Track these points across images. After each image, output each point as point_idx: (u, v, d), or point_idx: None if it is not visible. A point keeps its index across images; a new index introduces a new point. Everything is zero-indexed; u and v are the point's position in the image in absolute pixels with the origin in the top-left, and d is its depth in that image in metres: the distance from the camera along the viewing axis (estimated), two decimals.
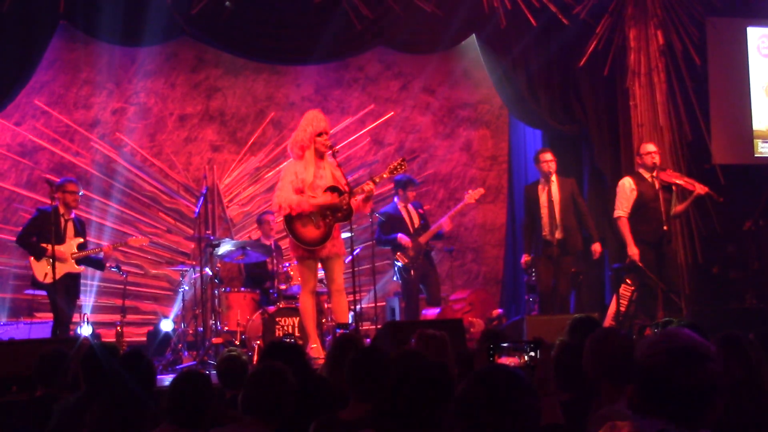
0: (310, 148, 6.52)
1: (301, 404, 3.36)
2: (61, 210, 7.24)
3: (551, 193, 7.89)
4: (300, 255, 6.56)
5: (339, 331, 6.16)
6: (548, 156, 7.97)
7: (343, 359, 3.52)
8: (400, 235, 8.10)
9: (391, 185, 8.79)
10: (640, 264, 7.51)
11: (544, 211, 7.89)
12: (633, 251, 7.53)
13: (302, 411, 3.28)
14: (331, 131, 7.17)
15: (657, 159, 7.71)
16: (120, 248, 8.13)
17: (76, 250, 7.33)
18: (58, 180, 7.56)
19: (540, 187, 7.98)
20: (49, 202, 7.04)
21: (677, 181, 7.73)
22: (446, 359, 3.99)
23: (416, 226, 8.24)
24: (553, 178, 7.94)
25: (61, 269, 7.08)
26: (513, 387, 2.15)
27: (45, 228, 7.13)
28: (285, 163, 6.76)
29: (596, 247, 7.99)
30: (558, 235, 7.80)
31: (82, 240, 7.44)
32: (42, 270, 7.11)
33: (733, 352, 3.19)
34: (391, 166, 6.76)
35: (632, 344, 3.14)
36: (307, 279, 6.61)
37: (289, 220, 6.50)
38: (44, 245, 7.07)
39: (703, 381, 2.02)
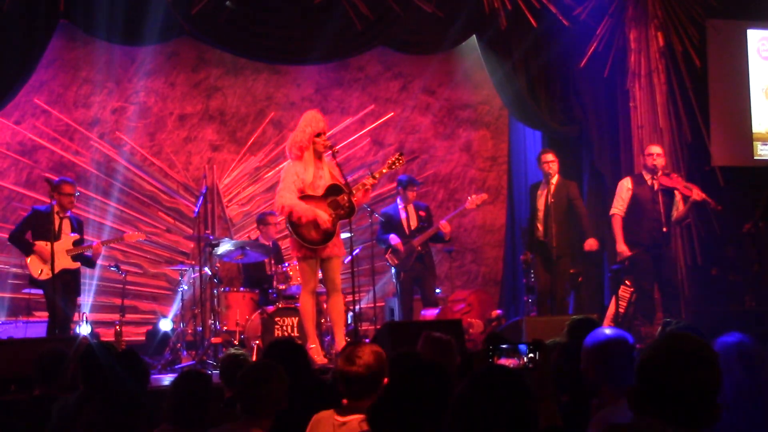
0: (308, 149, 6.49)
1: (301, 403, 3.36)
2: (56, 208, 7.23)
3: (549, 195, 7.90)
4: (303, 254, 6.55)
5: None
6: (549, 157, 7.98)
7: None
8: (392, 236, 8.10)
9: (394, 185, 8.79)
10: (626, 261, 7.55)
11: (541, 213, 7.91)
12: (621, 248, 7.62)
13: (302, 410, 3.28)
14: (331, 132, 7.16)
15: (657, 161, 7.70)
16: (116, 245, 8.12)
17: (72, 246, 7.32)
18: (56, 179, 7.56)
19: (540, 188, 7.99)
20: (48, 201, 7.03)
21: (678, 186, 7.73)
22: (451, 363, 3.98)
23: (413, 228, 8.23)
24: (554, 179, 7.95)
25: (57, 265, 7.05)
26: (510, 389, 2.15)
27: (39, 226, 7.14)
28: (284, 164, 6.74)
29: (590, 242, 7.94)
30: (553, 238, 7.81)
31: (78, 237, 7.43)
32: (36, 267, 7.13)
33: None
34: (389, 161, 6.77)
35: (632, 344, 3.14)
36: (308, 279, 6.59)
37: (291, 221, 6.49)
38: (36, 242, 7.09)
39: (703, 383, 2.02)
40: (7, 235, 8.12)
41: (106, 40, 8.18)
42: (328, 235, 6.47)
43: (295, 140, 6.55)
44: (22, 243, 7.24)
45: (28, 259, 7.19)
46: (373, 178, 6.62)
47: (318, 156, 6.54)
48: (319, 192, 6.48)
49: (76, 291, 7.45)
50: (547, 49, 8.88)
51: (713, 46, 9.25)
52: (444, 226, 8.12)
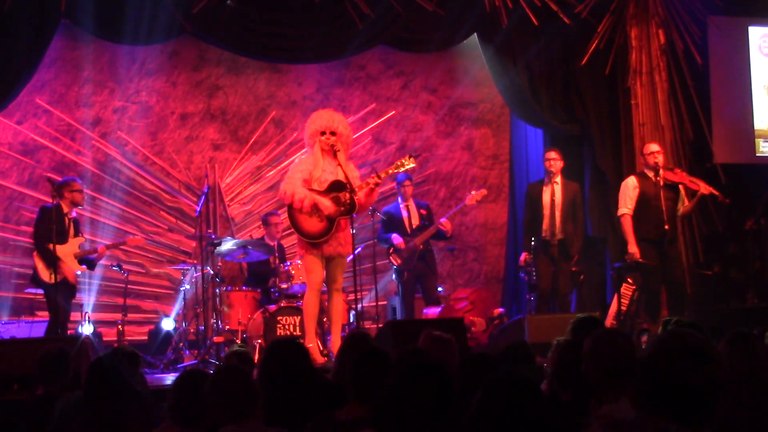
0: (314, 146, 6.62)
1: (304, 404, 3.36)
2: (65, 209, 7.21)
3: (554, 194, 7.88)
4: (308, 252, 6.58)
5: None
6: (552, 155, 7.98)
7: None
8: (394, 235, 8.09)
9: (394, 184, 8.79)
10: (642, 261, 7.45)
11: (547, 212, 7.88)
12: (633, 249, 7.47)
13: (305, 411, 3.28)
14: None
15: (660, 159, 7.65)
16: (118, 248, 8.12)
17: (78, 250, 7.32)
18: (60, 179, 7.54)
19: (544, 186, 7.98)
20: (50, 200, 7.01)
21: (683, 181, 7.68)
22: (452, 362, 3.97)
23: (414, 226, 8.22)
24: (557, 179, 7.93)
25: (69, 269, 7.05)
26: (527, 396, 2.14)
27: (50, 228, 7.11)
28: (300, 154, 6.81)
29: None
30: (558, 236, 7.81)
31: (82, 239, 7.43)
32: (48, 272, 7.09)
33: (741, 349, 3.20)
34: (398, 162, 6.77)
35: (632, 344, 3.14)
36: (313, 277, 6.62)
37: (292, 210, 6.55)
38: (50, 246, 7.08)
39: (706, 381, 2.02)
40: (8, 235, 8.15)
41: (108, 40, 8.19)
42: (327, 229, 6.50)
43: (304, 137, 6.80)
44: (48, 255, 6.88)
45: (40, 264, 7.04)
46: (378, 177, 6.63)
47: (332, 153, 6.57)
48: (323, 187, 6.53)
49: (74, 292, 7.45)
50: (548, 47, 8.86)
51: (714, 43, 9.24)
52: (444, 224, 8.11)
